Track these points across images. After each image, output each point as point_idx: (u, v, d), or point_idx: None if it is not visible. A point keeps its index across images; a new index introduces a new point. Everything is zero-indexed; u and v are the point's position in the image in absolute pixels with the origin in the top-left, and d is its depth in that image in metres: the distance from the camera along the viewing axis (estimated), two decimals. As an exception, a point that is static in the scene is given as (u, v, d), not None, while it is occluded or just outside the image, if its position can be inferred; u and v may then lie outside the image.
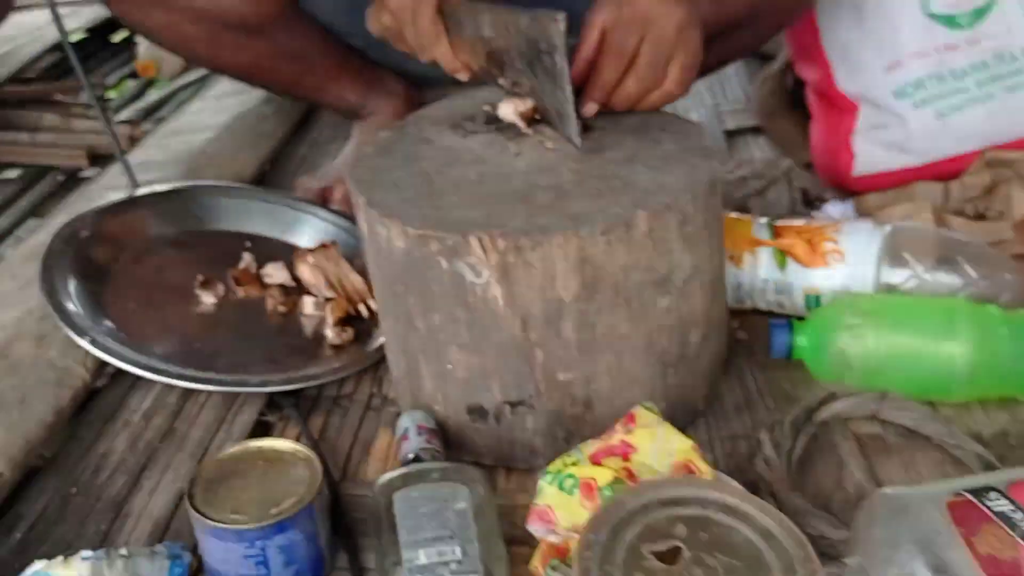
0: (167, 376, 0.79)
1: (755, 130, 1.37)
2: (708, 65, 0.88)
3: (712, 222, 0.72)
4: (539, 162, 0.74)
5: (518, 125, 0.79)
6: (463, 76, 0.81)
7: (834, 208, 1.02)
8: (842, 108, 1.16)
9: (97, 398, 0.86)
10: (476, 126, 0.80)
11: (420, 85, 1.34)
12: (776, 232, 0.89)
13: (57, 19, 0.99)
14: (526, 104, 0.78)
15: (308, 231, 1.05)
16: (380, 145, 0.79)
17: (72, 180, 1.49)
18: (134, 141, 1.53)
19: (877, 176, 1.14)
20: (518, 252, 0.64)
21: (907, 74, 1.10)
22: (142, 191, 1.02)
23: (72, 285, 0.87)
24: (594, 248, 0.65)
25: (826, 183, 1.20)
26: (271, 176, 1.31)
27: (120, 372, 0.83)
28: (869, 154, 1.13)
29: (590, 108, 0.77)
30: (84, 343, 0.79)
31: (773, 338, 0.83)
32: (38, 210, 1.40)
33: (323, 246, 0.95)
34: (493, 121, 0.81)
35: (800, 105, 1.36)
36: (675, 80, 0.76)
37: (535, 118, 0.79)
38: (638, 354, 0.71)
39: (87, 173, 1.50)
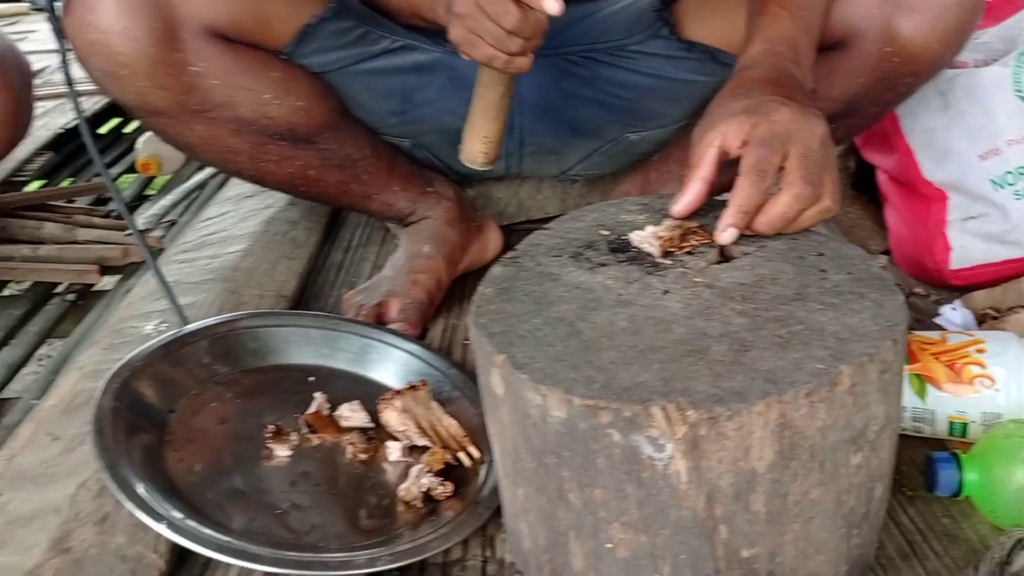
0: (265, 564, 0.67)
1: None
2: None
3: (901, 364, 0.64)
4: (694, 302, 0.65)
5: (653, 254, 0.70)
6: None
7: (954, 314, 0.94)
8: (929, 197, 1.10)
9: (167, 585, 0.74)
10: (601, 256, 0.71)
11: (462, 183, 1.26)
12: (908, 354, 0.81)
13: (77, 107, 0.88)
14: (669, 231, 0.70)
15: (377, 359, 0.94)
16: (498, 284, 0.69)
17: (84, 295, 1.36)
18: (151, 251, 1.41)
19: (977, 269, 1.07)
20: (712, 423, 0.55)
21: (1005, 162, 1.03)
22: (191, 327, 0.91)
23: (131, 452, 0.75)
24: (796, 412, 0.56)
25: (916, 276, 1.13)
26: (311, 290, 1.20)
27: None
28: (967, 246, 1.06)
29: (729, 234, 0.69)
30: (162, 529, 0.67)
31: (939, 475, 0.75)
32: (52, 332, 1.27)
33: (411, 387, 0.84)
34: (619, 250, 0.72)
35: (862, 189, 1.30)
36: (831, 194, 0.69)
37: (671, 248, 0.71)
38: (826, 519, 0.62)
39: (100, 286, 1.37)
